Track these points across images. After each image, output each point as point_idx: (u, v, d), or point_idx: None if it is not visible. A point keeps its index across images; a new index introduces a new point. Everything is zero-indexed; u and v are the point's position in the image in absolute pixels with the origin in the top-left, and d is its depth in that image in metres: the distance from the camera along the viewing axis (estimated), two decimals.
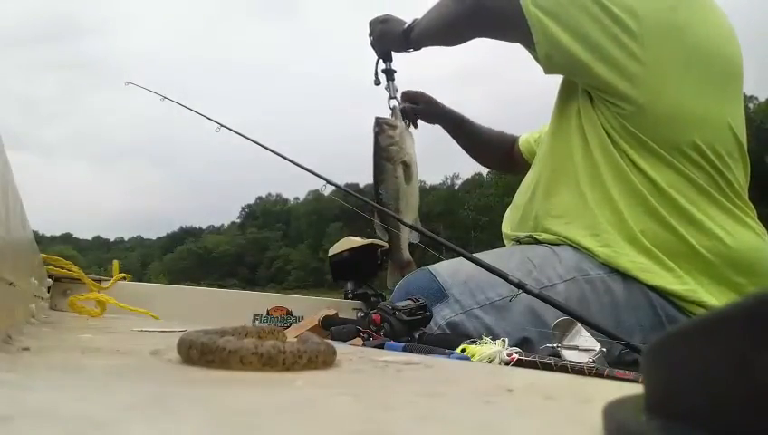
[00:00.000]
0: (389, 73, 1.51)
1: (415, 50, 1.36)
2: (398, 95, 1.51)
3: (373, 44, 1.47)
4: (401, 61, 1.50)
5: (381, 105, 1.50)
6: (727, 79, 1.12)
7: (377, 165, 1.37)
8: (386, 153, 1.36)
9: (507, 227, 1.30)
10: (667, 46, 1.05)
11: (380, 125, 1.38)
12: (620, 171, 1.09)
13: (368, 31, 1.47)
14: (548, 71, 1.13)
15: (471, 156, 1.68)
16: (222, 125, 1.52)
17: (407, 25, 1.34)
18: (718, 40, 1.11)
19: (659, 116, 1.06)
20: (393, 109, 1.47)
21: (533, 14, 1.06)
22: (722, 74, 1.10)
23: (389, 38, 1.40)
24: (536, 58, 1.12)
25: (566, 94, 1.21)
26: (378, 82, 1.51)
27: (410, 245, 1.39)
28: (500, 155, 1.66)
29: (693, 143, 1.06)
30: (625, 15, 1.03)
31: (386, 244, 1.51)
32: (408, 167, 1.36)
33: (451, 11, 1.20)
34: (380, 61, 1.50)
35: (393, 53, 1.49)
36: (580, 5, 1.05)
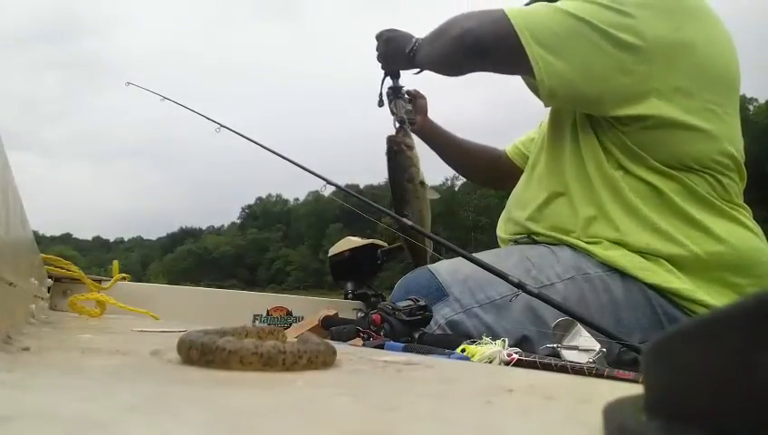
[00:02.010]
0: (397, 91, 1.44)
1: (421, 71, 1.32)
2: (406, 113, 1.43)
3: (379, 62, 1.42)
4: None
5: (383, 106, 1.47)
6: (727, 96, 1.11)
7: (398, 187, 1.36)
8: (407, 175, 1.35)
9: (501, 231, 1.30)
10: (674, 67, 1.04)
11: (398, 144, 1.36)
12: (616, 186, 1.08)
13: (375, 45, 1.41)
14: (549, 104, 1.12)
15: (452, 167, 1.63)
16: (222, 125, 1.52)
17: (409, 48, 1.28)
18: (721, 58, 1.10)
19: (661, 134, 1.06)
20: (400, 128, 1.41)
21: (536, 52, 1.03)
22: (723, 92, 1.09)
23: (395, 58, 1.35)
24: (533, 90, 1.10)
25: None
26: (381, 104, 1.45)
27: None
28: (482, 167, 1.62)
29: (692, 158, 1.06)
30: (632, 39, 1.01)
31: (385, 244, 1.52)
32: (423, 186, 1.37)
33: (450, 47, 1.17)
34: (387, 79, 1.43)
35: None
36: (582, 38, 1.02)
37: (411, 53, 1.27)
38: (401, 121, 1.41)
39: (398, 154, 1.36)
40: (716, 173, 1.08)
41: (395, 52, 1.34)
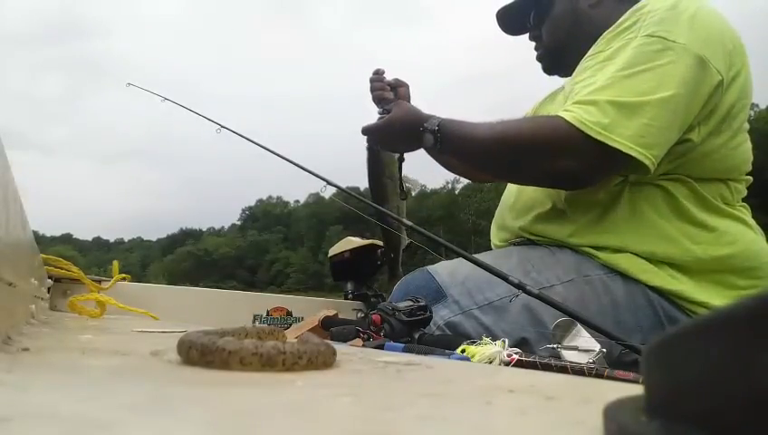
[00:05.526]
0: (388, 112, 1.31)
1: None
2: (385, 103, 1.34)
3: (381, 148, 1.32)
4: (395, 66, 1.37)
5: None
6: (747, 109, 1.10)
7: (379, 183, 1.36)
8: (388, 171, 1.36)
9: (496, 238, 1.29)
10: (724, 99, 1.03)
11: None
12: (619, 197, 1.07)
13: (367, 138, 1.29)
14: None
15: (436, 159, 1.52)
16: (223, 126, 1.52)
17: (431, 143, 1.11)
18: (750, 82, 1.08)
19: (687, 156, 1.05)
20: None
21: (647, 155, 0.95)
22: (747, 108, 1.09)
23: (402, 144, 1.25)
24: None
25: None
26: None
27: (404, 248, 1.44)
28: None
29: (711, 173, 1.06)
30: (713, 99, 1.00)
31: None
32: (399, 183, 1.38)
33: (533, 180, 1.08)
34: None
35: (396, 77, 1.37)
36: (674, 120, 0.98)
37: (437, 144, 1.10)
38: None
39: (378, 151, 1.36)
40: (730, 181, 1.08)
41: (399, 138, 1.21)
